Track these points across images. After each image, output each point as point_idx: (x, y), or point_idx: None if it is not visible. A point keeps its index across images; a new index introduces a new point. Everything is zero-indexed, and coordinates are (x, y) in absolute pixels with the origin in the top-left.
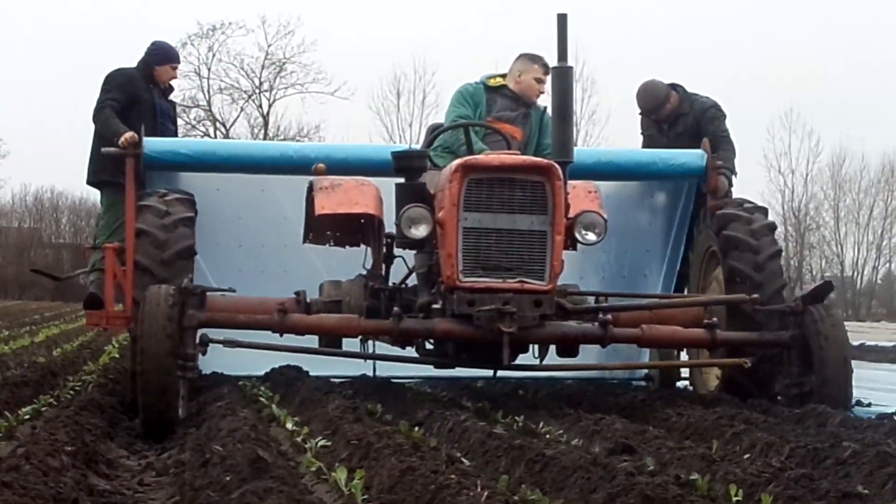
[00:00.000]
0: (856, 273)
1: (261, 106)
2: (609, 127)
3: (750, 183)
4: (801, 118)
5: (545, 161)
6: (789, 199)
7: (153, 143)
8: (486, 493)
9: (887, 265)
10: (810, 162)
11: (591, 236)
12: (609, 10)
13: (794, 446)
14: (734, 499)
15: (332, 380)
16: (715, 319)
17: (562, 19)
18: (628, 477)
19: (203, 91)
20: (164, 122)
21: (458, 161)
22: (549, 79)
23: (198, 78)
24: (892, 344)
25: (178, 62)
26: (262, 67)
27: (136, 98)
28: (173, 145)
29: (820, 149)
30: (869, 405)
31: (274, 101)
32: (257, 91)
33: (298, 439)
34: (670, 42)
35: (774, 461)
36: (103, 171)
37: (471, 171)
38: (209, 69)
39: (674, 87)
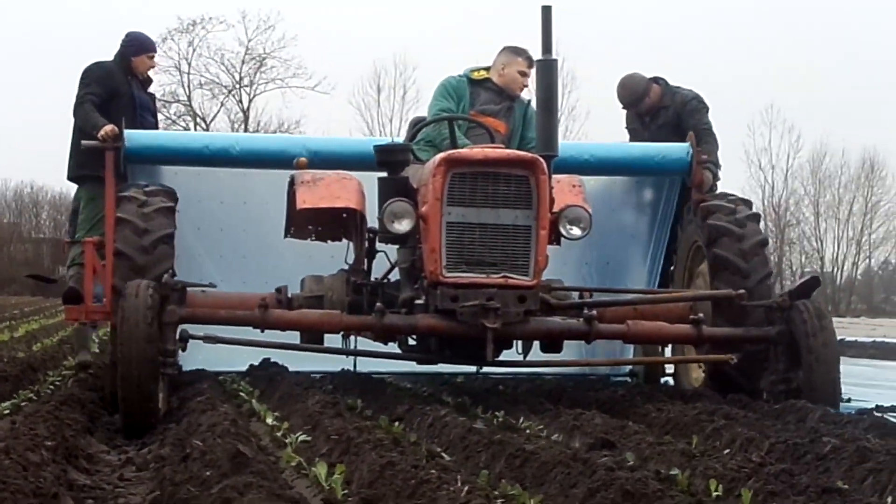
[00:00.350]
0: (835, 269)
1: (241, 101)
2: (589, 122)
3: (730, 178)
4: (782, 114)
5: (529, 155)
6: (769, 194)
7: (134, 136)
8: (466, 488)
9: (867, 261)
10: (790, 158)
11: (576, 231)
12: (590, 4)
13: (774, 441)
14: (714, 494)
15: (313, 375)
16: (701, 315)
17: (546, 12)
18: (608, 472)
19: (183, 86)
20: (144, 114)
21: (441, 155)
22: (532, 72)
23: (178, 73)
24: (871, 340)
25: (155, 51)
26: (243, 62)
27: (115, 91)
28: (154, 138)
29: (800, 145)
30: (849, 401)
31: (254, 95)
32: (237, 86)
33: (278, 434)
34: (651, 38)
35: (754, 456)
36: (85, 166)
37: (454, 165)
38: (189, 64)
39: (656, 80)
